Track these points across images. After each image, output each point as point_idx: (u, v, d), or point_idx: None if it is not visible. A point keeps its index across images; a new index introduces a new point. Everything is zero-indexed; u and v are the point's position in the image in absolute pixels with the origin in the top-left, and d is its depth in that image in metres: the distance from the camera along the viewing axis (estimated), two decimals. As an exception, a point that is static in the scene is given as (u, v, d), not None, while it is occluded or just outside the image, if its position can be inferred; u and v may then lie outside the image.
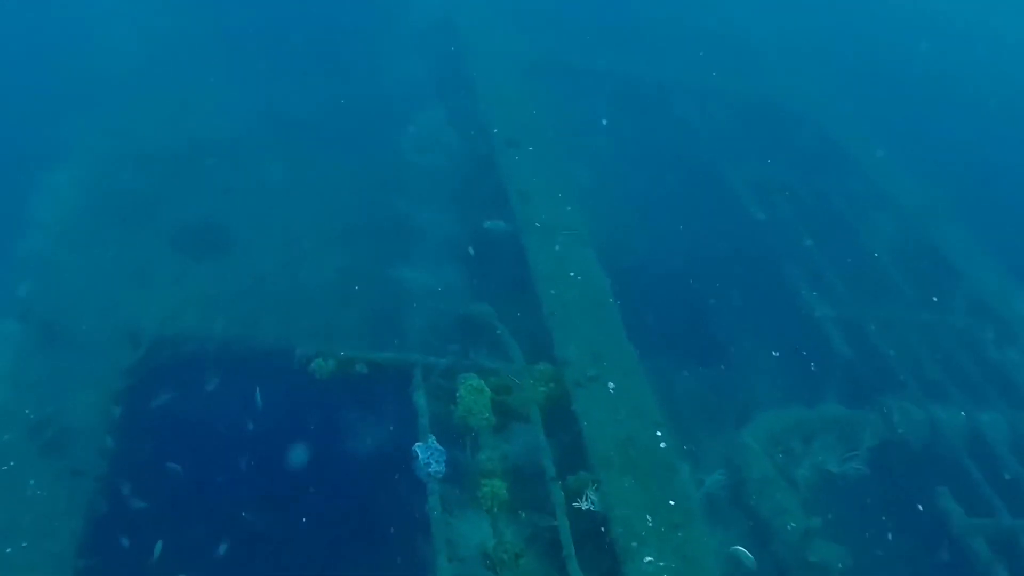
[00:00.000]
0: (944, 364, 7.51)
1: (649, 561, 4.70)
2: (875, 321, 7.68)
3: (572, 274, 6.58)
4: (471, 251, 6.83)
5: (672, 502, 5.15)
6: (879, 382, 7.20)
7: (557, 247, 6.67)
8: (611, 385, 5.81)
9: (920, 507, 6.27)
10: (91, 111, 8.66)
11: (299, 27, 9.90)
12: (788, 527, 5.69)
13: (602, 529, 4.91)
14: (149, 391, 6.45)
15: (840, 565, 5.58)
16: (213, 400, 5.89)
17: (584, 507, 4.95)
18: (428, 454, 5.04)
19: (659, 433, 5.60)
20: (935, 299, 8.04)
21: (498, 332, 6.07)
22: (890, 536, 6.29)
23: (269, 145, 8.75)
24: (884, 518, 6.37)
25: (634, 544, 4.79)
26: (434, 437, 5.18)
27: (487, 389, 5.50)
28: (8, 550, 5.02)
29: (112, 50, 9.24)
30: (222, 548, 5.07)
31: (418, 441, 5.14)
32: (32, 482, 5.78)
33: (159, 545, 5.06)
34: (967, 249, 8.92)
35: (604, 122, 8.66)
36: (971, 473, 6.53)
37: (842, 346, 7.40)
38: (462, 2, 10.05)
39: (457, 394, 5.44)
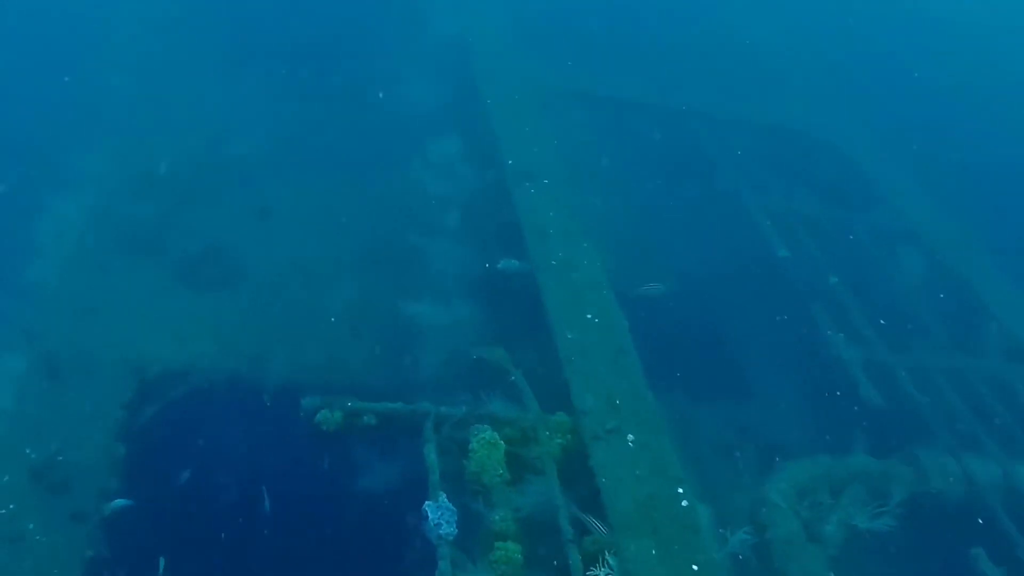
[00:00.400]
0: (978, 412, 7.18)
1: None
2: (904, 365, 7.37)
3: (589, 316, 6.33)
4: (484, 291, 6.59)
5: (695, 567, 4.87)
6: (910, 431, 6.89)
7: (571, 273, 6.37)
8: (630, 437, 5.54)
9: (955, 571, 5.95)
10: (99, 135, 8.53)
11: (311, 50, 9.76)
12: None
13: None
14: (154, 430, 6.27)
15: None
16: (218, 445, 5.68)
17: (602, 574, 4.68)
18: (438, 514, 4.79)
19: (681, 490, 5.33)
20: (968, 343, 7.72)
21: (512, 378, 5.83)
22: (923, 599, 5.98)
23: (279, 171, 8.59)
24: (916, 580, 6.06)
25: (655, 616, 4.51)
26: (445, 495, 4.93)
27: (501, 442, 5.25)
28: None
29: (122, 74, 9.12)
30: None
31: (428, 499, 4.90)
32: (31, 526, 5.61)
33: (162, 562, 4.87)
34: (998, 286, 8.59)
35: (605, 160, 8.42)
36: (1009, 533, 6.19)
37: (870, 391, 7.10)
38: (478, 27, 9.86)
39: (470, 447, 5.19)
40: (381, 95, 9.14)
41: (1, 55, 9.37)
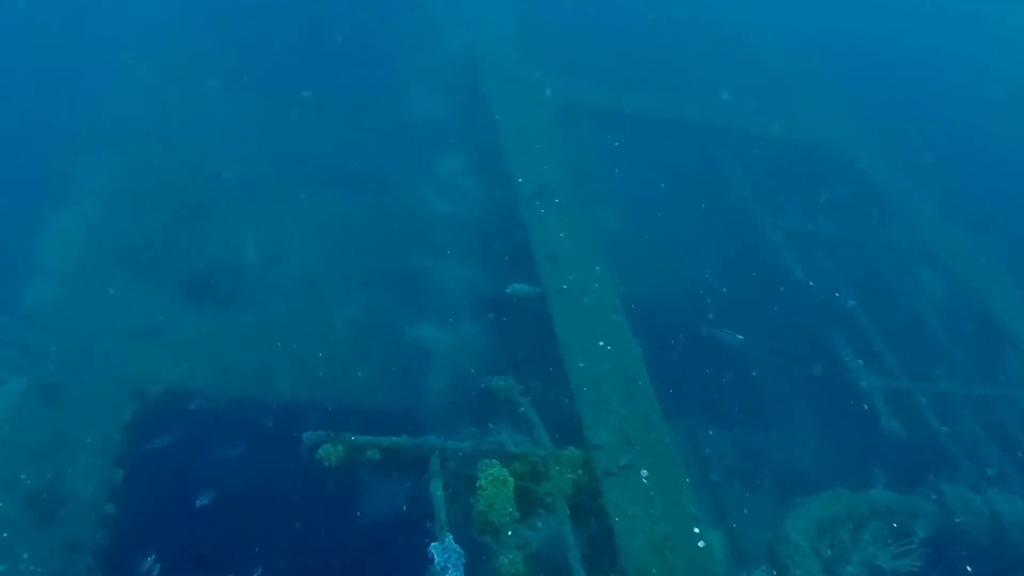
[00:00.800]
0: (1003, 443, 6.94)
1: None
2: (926, 393, 7.14)
3: (602, 343, 6.12)
4: (492, 315, 6.40)
5: (713, 615, 4.66)
6: (932, 463, 6.66)
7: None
8: (644, 473, 5.32)
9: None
10: (102, 149, 8.41)
11: (318, 63, 9.62)
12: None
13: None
14: (153, 456, 6.13)
15: None
16: (216, 477, 5.52)
17: (616, 620, 4.47)
18: (445, 557, 4.58)
19: (697, 530, 5.11)
20: (991, 370, 7.49)
21: (521, 410, 5.62)
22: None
23: (284, 187, 8.46)
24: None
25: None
26: (451, 536, 4.73)
27: (510, 479, 5.04)
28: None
29: (125, 86, 9.00)
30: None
31: (434, 540, 4.70)
32: (26, 556, 5.47)
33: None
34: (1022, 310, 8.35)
35: (618, 177, 8.23)
36: (1038, 571, 5.96)
37: (891, 421, 6.86)
38: (487, 40, 9.70)
39: (478, 484, 4.98)
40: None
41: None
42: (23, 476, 5.92)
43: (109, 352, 6.68)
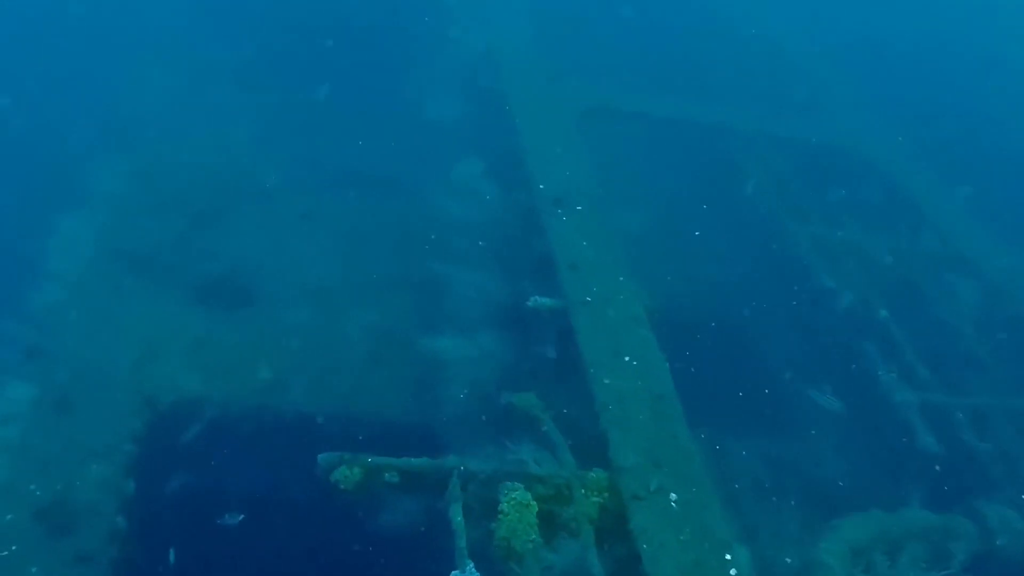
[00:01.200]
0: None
1: None
2: (963, 408, 6.86)
3: (627, 358, 5.90)
4: (512, 326, 6.20)
5: (746, 649, 4.44)
6: (970, 481, 6.39)
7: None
8: (673, 496, 5.11)
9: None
10: (114, 152, 8.28)
11: (334, 67, 9.43)
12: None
13: None
14: (165, 466, 5.98)
15: None
16: (230, 497, 5.36)
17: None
18: (466, 586, 4.39)
19: (728, 556, 4.89)
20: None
21: (544, 429, 5.41)
22: None
23: (299, 192, 8.29)
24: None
25: None
26: (472, 564, 4.54)
27: (533, 503, 4.84)
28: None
29: (139, 89, 8.86)
30: None
31: (455, 569, 4.51)
32: (34, 569, 5.34)
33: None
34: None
35: (641, 183, 7.94)
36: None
37: (926, 437, 6.60)
38: (506, 39, 9.46)
39: (500, 508, 4.79)
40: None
41: (12, 67, 9.14)
42: (33, 487, 5.80)
43: (120, 360, 6.54)
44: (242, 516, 5.11)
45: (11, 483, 5.66)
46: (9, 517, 5.49)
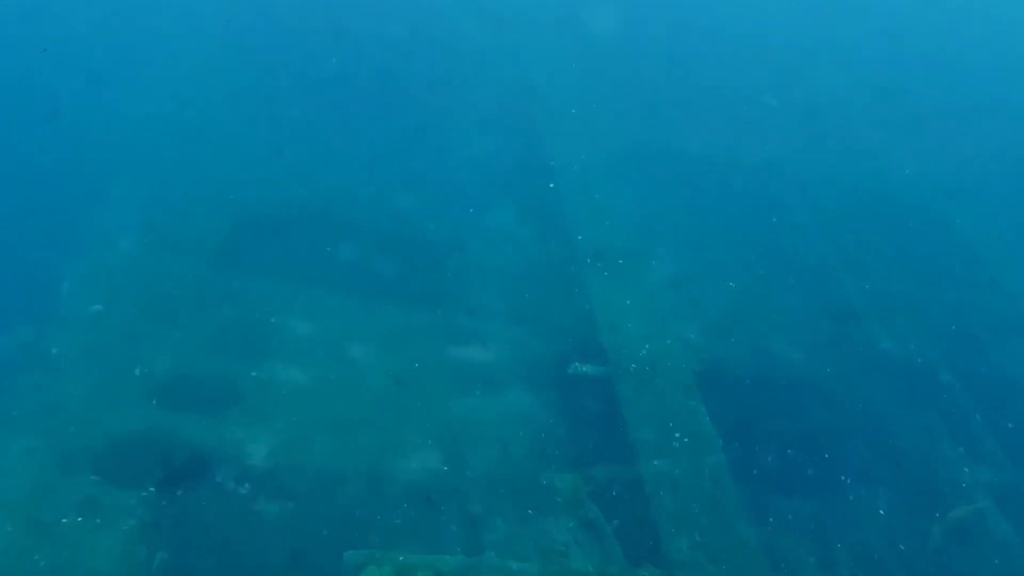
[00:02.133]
0: None
1: None
2: (1038, 489, 6.27)
3: (678, 435, 5.40)
4: (553, 396, 5.70)
5: None
6: (1050, 573, 5.79)
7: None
8: (732, 598, 4.59)
9: None
10: (124, 190, 7.95)
11: (359, 95, 9.03)
12: None
13: None
14: (182, 535, 5.54)
15: None
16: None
17: None
18: None
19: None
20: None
21: (589, 515, 4.92)
22: None
23: (319, 231, 7.90)
24: None
25: None
26: None
27: (579, 608, 4.36)
28: None
29: (150, 119, 8.55)
30: None
31: None
32: None
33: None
34: None
35: (685, 233, 7.40)
36: None
37: (1001, 525, 6.01)
38: (543, 76, 9.06)
39: (541, 614, 4.30)
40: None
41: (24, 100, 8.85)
42: (37, 557, 5.41)
43: (132, 413, 6.16)
44: None
45: (12, 552, 5.27)
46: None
